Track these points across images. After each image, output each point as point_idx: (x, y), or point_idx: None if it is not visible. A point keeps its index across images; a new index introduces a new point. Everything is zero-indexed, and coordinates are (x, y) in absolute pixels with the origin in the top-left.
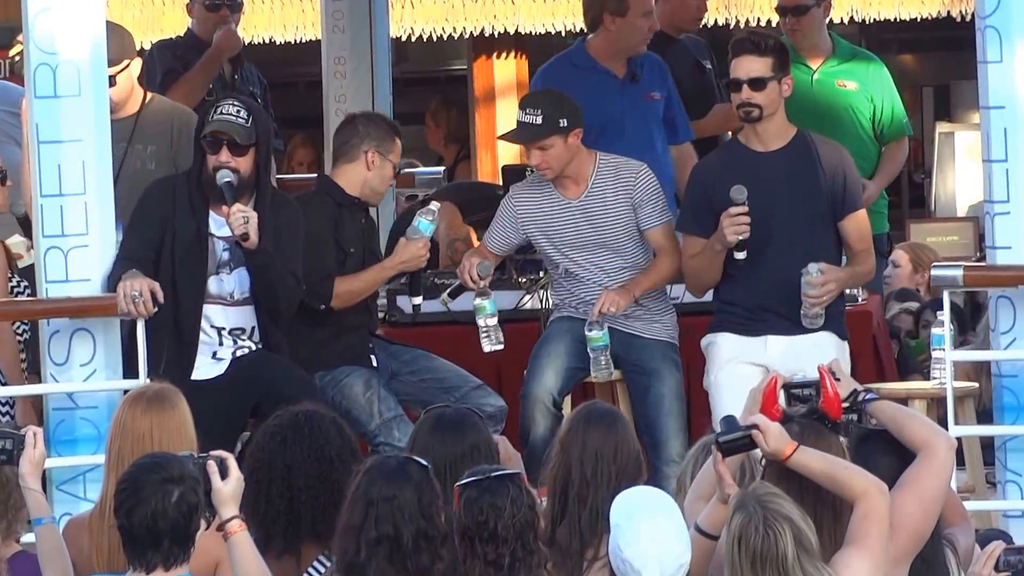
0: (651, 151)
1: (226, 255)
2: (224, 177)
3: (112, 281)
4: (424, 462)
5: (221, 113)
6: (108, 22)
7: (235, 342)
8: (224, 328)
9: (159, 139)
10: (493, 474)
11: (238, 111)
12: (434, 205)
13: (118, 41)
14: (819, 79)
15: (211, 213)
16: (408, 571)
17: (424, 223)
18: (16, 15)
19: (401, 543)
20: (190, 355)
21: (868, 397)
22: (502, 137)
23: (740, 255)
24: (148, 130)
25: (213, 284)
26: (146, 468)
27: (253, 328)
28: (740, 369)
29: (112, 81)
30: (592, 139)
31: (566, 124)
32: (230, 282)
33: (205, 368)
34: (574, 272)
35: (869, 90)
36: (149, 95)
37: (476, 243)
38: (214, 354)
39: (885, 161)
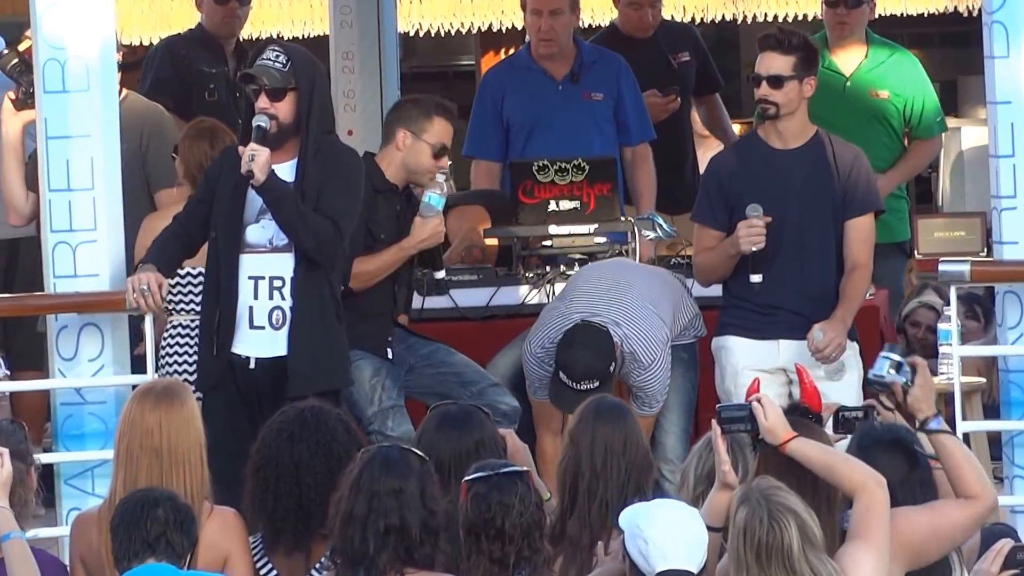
0: (585, 152)
1: None
2: (256, 121)
3: (155, 240)
4: (420, 453)
5: (260, 58)
6: None
7: (271, 295)
8: (261, 277)
9: (126, 138)
10: (503, 470)
11: (276, 56)
12: (440, 177)
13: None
14: (851, 86)
15: None
16: (414, 562)
17: (435, 197)
18: (24, 10)
19: (409, 534)
20: (231, 313)
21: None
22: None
23: (756, 278)
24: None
25: (254, 232)
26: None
27: (292, 279)
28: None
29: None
30: (521, 139)
31: (614, 369)
32: (270, 228)
33: (243, 338)
34: None
35: (902, 96)
36: (124, 91)
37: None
38: (251, 315)
39: (907, 156)
